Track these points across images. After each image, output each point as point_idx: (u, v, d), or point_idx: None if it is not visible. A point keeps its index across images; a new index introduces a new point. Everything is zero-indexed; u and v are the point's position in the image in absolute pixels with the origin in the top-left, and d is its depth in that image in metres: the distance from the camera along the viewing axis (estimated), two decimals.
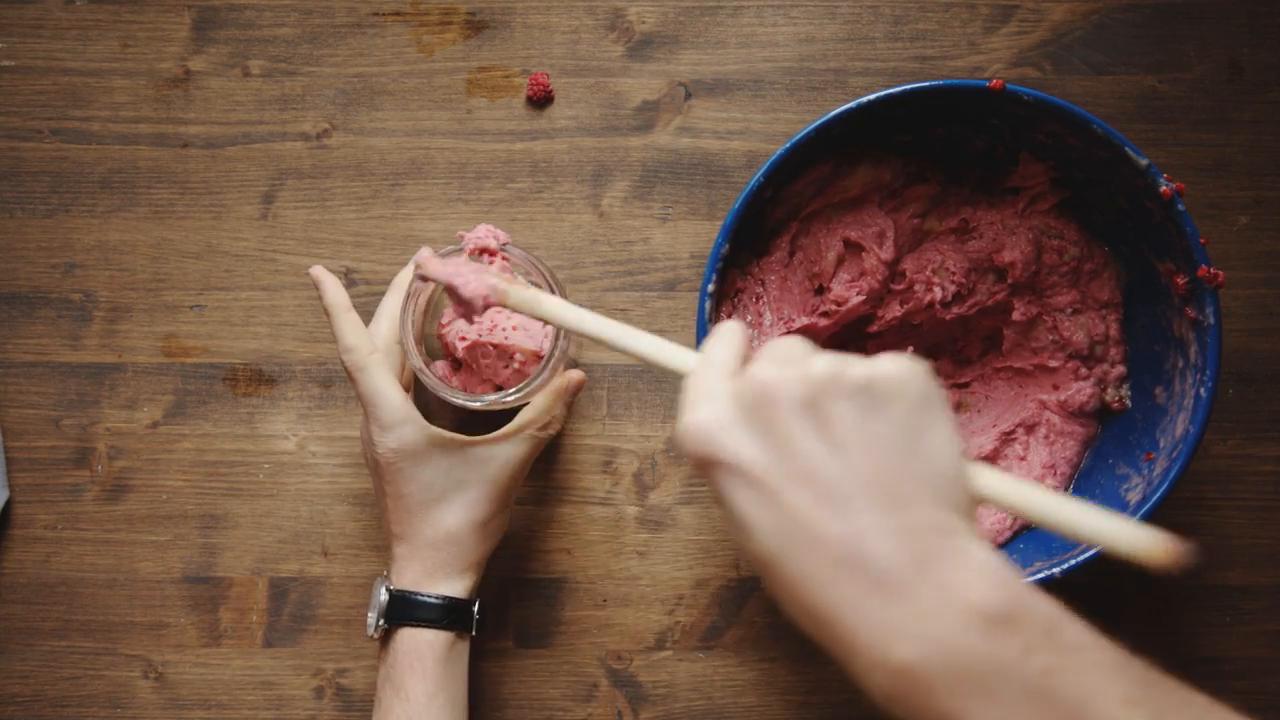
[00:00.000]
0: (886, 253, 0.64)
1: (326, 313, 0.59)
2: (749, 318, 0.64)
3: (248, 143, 0.70)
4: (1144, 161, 0.58)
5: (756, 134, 0.70)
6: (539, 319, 0.50)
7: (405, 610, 0.58)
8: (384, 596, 0.58)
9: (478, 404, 0.59)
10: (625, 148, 0.70)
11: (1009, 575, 0.37)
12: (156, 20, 0.70)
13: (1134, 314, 0.64)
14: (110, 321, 0.69)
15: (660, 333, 0.68)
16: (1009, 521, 0.63)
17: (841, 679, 0.69)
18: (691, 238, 0.69)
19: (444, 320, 0.65)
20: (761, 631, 0.68)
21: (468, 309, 0.50)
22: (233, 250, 0.69)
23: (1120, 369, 0.65)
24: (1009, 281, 0.64)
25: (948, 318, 0.64)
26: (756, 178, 0.59)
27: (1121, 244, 0.63)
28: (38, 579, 0.68)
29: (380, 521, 0.59)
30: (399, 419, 0.57)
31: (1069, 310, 0.65)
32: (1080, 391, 0.64)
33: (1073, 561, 0.57)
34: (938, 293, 0.64)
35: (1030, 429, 0.65)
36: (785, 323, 0.64)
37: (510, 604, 0.68)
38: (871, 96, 0.58)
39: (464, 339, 0.63)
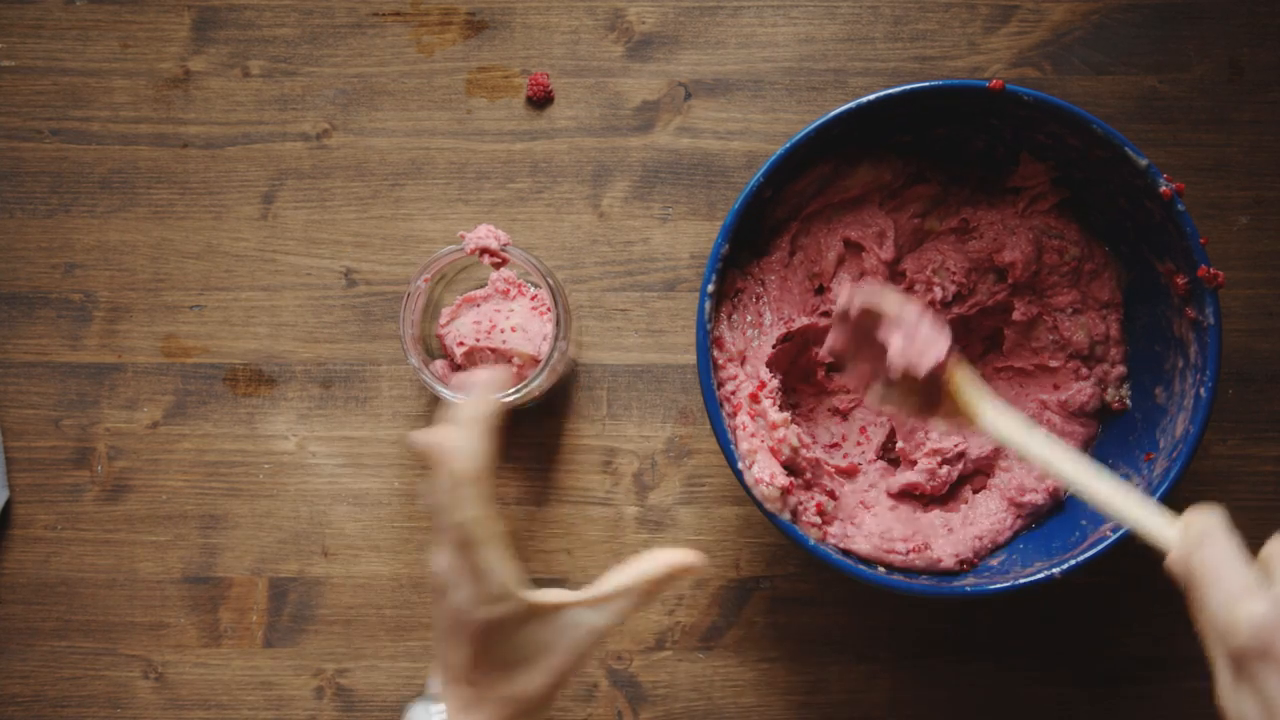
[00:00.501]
0: (887, 253, 0.64)
1: (452, 476, 0.50)
2: (749, 317, 0.64)
3: (248, 143, 0.70)
4: (1144, 161, 0.58)
5: (756, 134, 0.70)
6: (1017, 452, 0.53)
7: None
8: None
9: None
10: (625, 148, 0.70)
11: None
12: (156, 20, 0.70)
13: (1134, 314, 0.64)
14: (110, 321, 0.69)
15: (660, 333, 0.69)
16: (1009, 521, 0.63)
17: (841, 679, 0.70)
18: (691, 238, 0.69)
19: (442, 321, 0.65)
20: (761, 631, 0.68)
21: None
22: (233, 250, 0.69)
23: (1120, 369, 0.65)
24: (1009, 281, 0.64)
25: (948, 318, 0.64)
26: (756, 178, 0.59)
27: (1121, 244, 0.63)
28: (38, 579, 0.68)
29: (436, 643, 0.56)
30: (507, 593, 0.52)
31: (1069, 310, 0.64)
32: (1080, 391, 0.64)
33: (1073, 562, 0.57)
34: (938, 293, 0.64)
35: None
36: (785, 322, 0.64)
37: None
38: (871, 96, 0.58)
39: (462, 344, 0.63)
